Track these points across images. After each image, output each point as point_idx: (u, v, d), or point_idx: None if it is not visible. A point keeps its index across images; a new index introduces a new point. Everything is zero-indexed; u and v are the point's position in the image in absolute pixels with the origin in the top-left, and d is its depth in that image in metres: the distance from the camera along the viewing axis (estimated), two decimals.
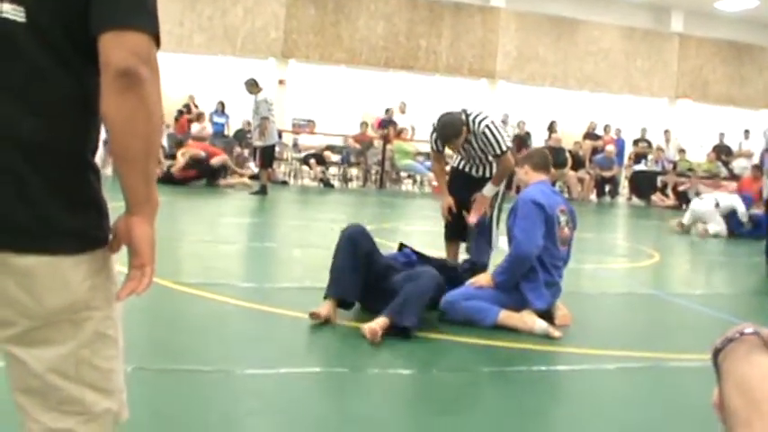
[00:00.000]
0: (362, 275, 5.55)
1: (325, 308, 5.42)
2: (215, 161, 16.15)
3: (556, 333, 5.49)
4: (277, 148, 19.02)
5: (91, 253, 1.80)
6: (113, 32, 1.65)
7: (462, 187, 6.94)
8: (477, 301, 5.61)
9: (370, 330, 5.03)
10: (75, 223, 1.76)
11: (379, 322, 5.11)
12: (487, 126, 6.54)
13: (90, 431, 1.86)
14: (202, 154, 16.03)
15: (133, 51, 1.66)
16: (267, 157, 15.31)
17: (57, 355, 1.79)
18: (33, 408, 1.81)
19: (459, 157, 7.02)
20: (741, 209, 13.86)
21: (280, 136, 19.95)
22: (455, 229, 6.98)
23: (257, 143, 15.42)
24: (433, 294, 5.44)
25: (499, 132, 6.60)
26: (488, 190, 6.72)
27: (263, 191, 14.92)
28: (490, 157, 6.70)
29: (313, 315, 5.37)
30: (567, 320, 5.90)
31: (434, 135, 6.82)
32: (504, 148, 6.59)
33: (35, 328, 1.76)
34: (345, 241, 5.59)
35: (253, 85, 14.85)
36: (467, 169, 6.95)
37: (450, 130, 6.50)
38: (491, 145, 6.56)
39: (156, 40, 1.72)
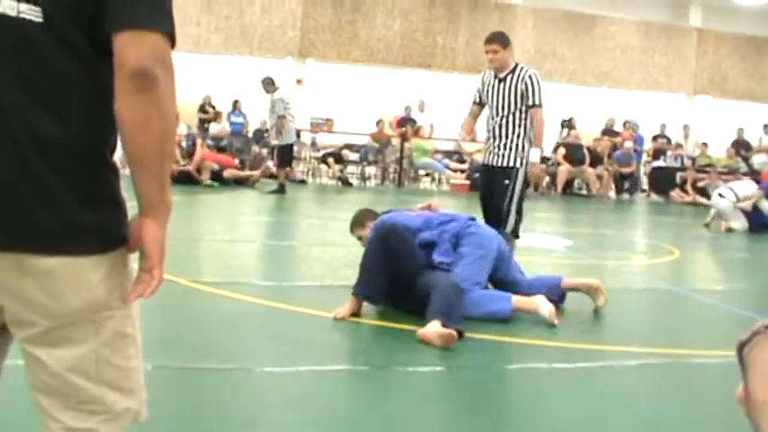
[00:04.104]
0: (391, 275, 5.50)
1: (348, 307, 5.45)
2: (227, 174, 16.16)
3: (555, 321, 5.55)
4: (295, 147, 19.05)
5: (111, 252, 1.80)
6: (130, 32, 1.65)
7: (489, 180, 7.18)
8: (486, 291, 5.64)
9: (442, 340, 4.93)
10: (96, 223, 1.76)
11: (435, 328, 5.00)
12: (535, 74, 6.90)
13: (110, 430, 1.86)
14: (215, 167, 16.05)
15: (149, 52, 1.65)
16: (285, 155, 15.28)
17: (77, 354, 1.79)
18: (53, 407, 1.81)
19: (487, 149, 7.18)
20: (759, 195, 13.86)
21: (298, 135, 19.97)
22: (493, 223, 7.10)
23: (274, 142, 15.40)
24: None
25: (540, 86, 6.89)
26: (534, 155, 7.02)
27: (281, 190, 14.91)
28: (515, 123, 6.93)
29: (337, 318, 5.39)
30: (602, 295, 6.16)
31: (475, 92, 7.26)
32: (540, 102, 6.87)
33: (55, 328, 1.76)
34: (377, 241, 5.55)
35: (269, 84, 14.85)
36: (491, 161, 7.08)
37: (503, 36, 7.03)
38: (531, 92, 6.85)
39: (172, 40, 1.72)
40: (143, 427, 2.00)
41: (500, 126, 7.02)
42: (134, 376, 1.90)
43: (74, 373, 1.79)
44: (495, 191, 7.06)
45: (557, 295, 6.11)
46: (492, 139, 7.10)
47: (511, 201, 6.98)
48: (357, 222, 6.34)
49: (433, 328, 4.96)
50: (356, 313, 5.49)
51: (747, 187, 14.16)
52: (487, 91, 7.08)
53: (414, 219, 6.03)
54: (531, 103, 6.88)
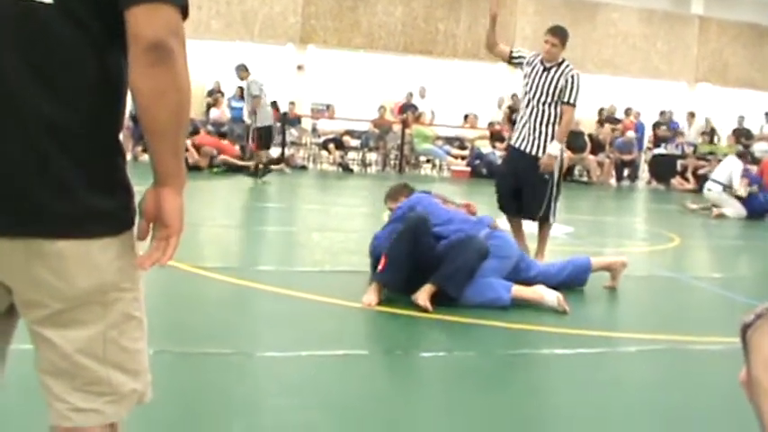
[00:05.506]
0: (414, 263, 5.54)
1: (375, 295, 5.47)
2: (220, 160, 16.18)
3: (565, 307, 5.59)
4: (295, 133, 18.97)
5: (120, 235, 1.81)
6: (145, 6, 1.66)
7: (517, 164, 7.33)
8: (487, 279, 5.64)
9: (422, 301, 5.34)
10: (107, 206, 1.77)
11: (428, 290, 5.38)
12: (577, 75, 7.14)
13: (116, 411, 1.87)
14: (214, 152, 16.06)
15: (164, 25, 1.67)
16: (263, 138, 14.97)
17: (86, 336, 1.80)
18: (61, 389, 1.82)
19: (518, 135, 7.33)
20: (736, 175, 13.86)
21: (299, 121, 19.93)
22: (510, 203, 7.35)
23: (247, 121, 15.31)
24: (475, 264, 5.59)
25: (579, 87, 7.11)
26: (553, 148, 7.10)
27: (262, 172, 14.80)
28: (551, 114, 7.11)
29: (367, 305, 5.40)
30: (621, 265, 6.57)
31: (519, 49, 7.67)
32: (575, 102, 7.08)
33: (65, 309, 1.77)
34: (409, 232, 5.55)
35: (243, 71, 14.94)
36: (524, 147, 7.22)
37: (565, 33, 7.30)
38: (568, 90, 7.07)
39: (184, 12, 1.74)
40: (145, 410, 2.02)
41: (538, 114, 7.17)
42: (140, 358, 1.91)
43: (83, 355, 1.80)
44: (529, 180, 7.19)
45: (584, 278, 6.37)
46: (528, 125, 7.23)
47: (551, 194, 7.20)
48: (392, 195, 6.56)
49: (423, 292, 5.38)
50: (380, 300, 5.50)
51: (726, 167, 14.20)
52: (531, 74, 7.23)
53: (442, 213, 6.09)
54: (565, 99, 7.08)
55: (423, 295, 5.36)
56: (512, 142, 7.52)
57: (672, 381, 4.51)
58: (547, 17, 23.87)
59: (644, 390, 4.31)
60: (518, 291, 5.68)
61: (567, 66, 7.16)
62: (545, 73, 7.13)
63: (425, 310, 5.28)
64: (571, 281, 6.29)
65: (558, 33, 7.24)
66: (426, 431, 3.58)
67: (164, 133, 1.75)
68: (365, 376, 4.26)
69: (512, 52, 7.47)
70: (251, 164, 15.72)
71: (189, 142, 15.50)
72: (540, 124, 7.14)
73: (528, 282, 5.93)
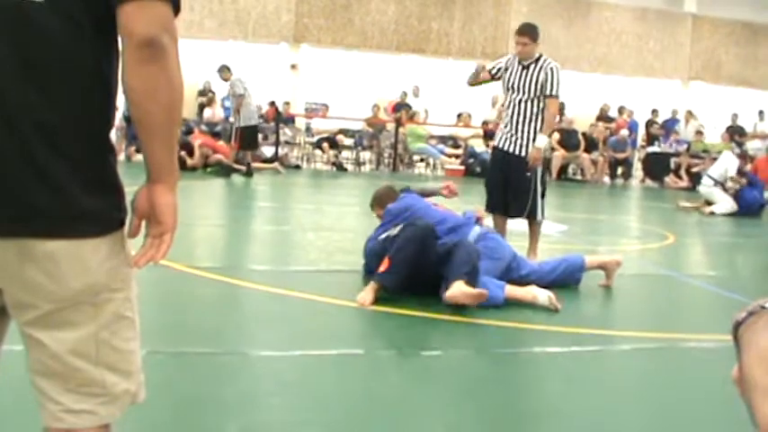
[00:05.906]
0: (416, 267, 5.54)
1: (371, 294, 5.46)
2: (212, 160, 16.22)
3: (557, 306, 5.58)
4: (289, 132, 18.95)
5: (110, 235, 1.80)
6: (137, 2, 1.66)
7: (503, 164, 7.34)
8: (484, 278, 5.64)
9: (471, 294, 5.24)
10: (98, 206, 1.76)
11: (462, 286, 5.27)
12: (556, 67, 7.17)
13: (109, 412, 1.86)
14: (209, 152, 16.10)
15: (157, 21, 1.67)
16: (247, 137, 14.97)
17: (77, 336, 1.79)
18: (53, 390, 1.81)
19: (500, 135, 7.37)
20: (731, 171, 13.91)
21: (292, 120, 19.91)
22: (498, 202, 7.36)
23: (231, 119, 15.35)
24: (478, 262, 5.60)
25: (560, 78, 7.14)
26: (540, 141, 7.15)
27: (233, 171, 14.77)
28: (532, 111, 7.14)
29: (362, 303, 5.39)
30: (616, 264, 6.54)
31: (494, 62, 7.60)
32: (557, 93, 7.10)
33: (56, 310, 1.76)
34: (418, 240, 5.56)
35: (225, 71, 15.05)
36: (506, 147, 7.27)
37: (535, 30, 7.28)
38: (549, 82, 7.09)
39: (176, 9, 1.74)
40: (139, 411, 2.01)
41: (519, 113, 7.20)
42: (132, 358, 1.90)
43: (74, 356, 1.79)
44: (514, 180, 7.23)
45: (578, 277, 6.39)
46: (510, 125, 7.27)
47: (536, 192, 7.23)
48: (378, 201, 6.61)
49: (460, 289, 5.22)
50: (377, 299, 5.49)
51: (722, 163, 14.26)
52: (510, 77, 7.27)
53: (435, 213, 6.19)
54: (547, 92, 7.11)
55: (465, 290, 5.27)
56: (495, 143, 7.56)
57: (666, 378, 4.51)
58: (540, 16, 23.90)
59: (638, 387, 4.32)
60: (511, 291, 5.68)
61: (546, 60, 7.19)
62: (524, 71, 7.17)
63: (480, 300, 5.26)
64: (565, 279, 6.30)
65: (527, 32, 7.26)
66: (421, 429, 3.58)
67: (156, 130, 1.75)
68: (360, 375, 4.26)
69: (491, 71, 7.50)
70: (243, 167, 15.75)
71: (195, 142, 15.56)
72: (522, 123, 7.17)
73: (520, 280, 5.94)
